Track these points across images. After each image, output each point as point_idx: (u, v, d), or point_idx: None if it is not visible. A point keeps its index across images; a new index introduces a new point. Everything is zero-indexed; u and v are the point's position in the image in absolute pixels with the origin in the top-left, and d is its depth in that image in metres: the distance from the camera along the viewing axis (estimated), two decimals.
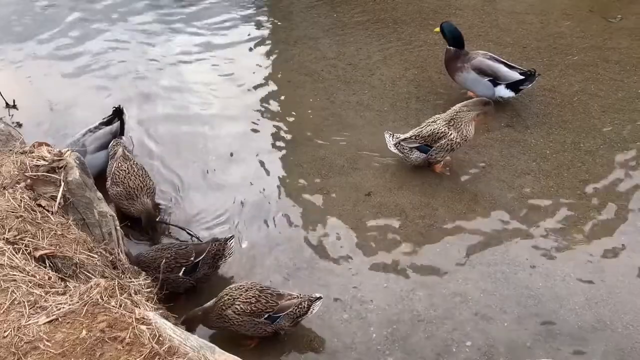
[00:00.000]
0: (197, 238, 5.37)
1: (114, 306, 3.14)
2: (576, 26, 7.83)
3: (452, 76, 6.71)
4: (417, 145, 5.81)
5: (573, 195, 5.64)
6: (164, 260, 4.64)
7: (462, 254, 5.22)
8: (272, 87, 7.24)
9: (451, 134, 5.73)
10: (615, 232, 5.30)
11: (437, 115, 5.91)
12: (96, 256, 3.93)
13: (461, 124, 5.75)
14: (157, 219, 5.46)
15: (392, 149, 5.91)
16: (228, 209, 5.71)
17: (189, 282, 4.93)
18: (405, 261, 5.19)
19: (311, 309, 4.47)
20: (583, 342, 4.53)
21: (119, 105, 6.21)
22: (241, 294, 4.37)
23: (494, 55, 6.61)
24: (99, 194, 4.62)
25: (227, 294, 4.41)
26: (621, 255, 5.13)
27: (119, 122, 6.09)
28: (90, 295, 3.18)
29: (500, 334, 4.62)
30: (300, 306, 4.42)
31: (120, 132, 6.09)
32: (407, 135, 5.87)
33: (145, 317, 3.09)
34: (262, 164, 6.19)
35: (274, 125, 6.67)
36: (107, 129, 6.01)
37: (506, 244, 5.28)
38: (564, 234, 5.32)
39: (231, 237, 5.08)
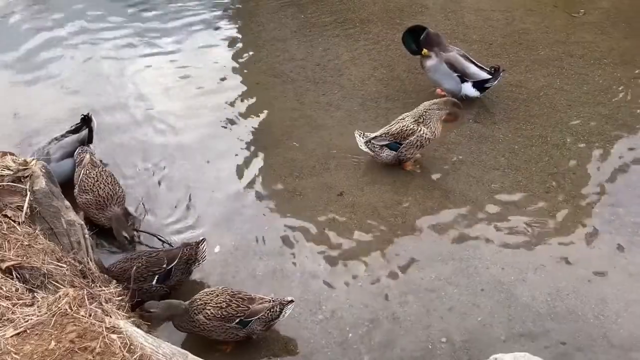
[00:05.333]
0: (169, 244, 5.31)
1: (83, 316, 3.08)
2: (540, 22, 7.93)
3: (422, 62, 6.75)
4: (387, 143, 5.83)
5: (542, 189, 5.71)
6: (134, 269, 4.57)
7: (435, 251, 5.24)
8: (241, 89, 7.19)
9: (420, 131, 5.77)
10: (585, 225, 5.38)
11: (405, 113, 5.94)
12: (65, 266, 3.87)
13: (430, 121, 5.80)
14: (128, 227, 5.37)
15: (363, 147, 5.92)
16: (199, 213, 5.66)
17: (162, 290, 4.87)
18: (378, 259, 5.20)
19: (283, 313, 4.45)
20: (556, 333, 4.58)
21: (88, 113, 6.10)
22: (212, 299, 4.33)
23: (466, 54, 6.69)
24: (67, 203, 4.54)
25: (198, 299, 4.37)
26: (591, 247, 5.20)
27: (87, 130, 5.99)
28: (59, 305, 3.12)
29: (475, 329, 4.65)
30: (272, 310, 4.40)
31: (89, 140, 5.99)
32: (377, 133, 5.89)
33: (116, 325, 3.05)
34: (232, 166, 6.15)
35: (243, 128, 6.63)
36: (74, 137, 5.90)
37: (478, 239, 5.33)
38: (535, 227, 5.38)
39: (203, 240, 5.03)
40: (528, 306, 4.76)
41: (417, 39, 6.69)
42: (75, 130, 6.00)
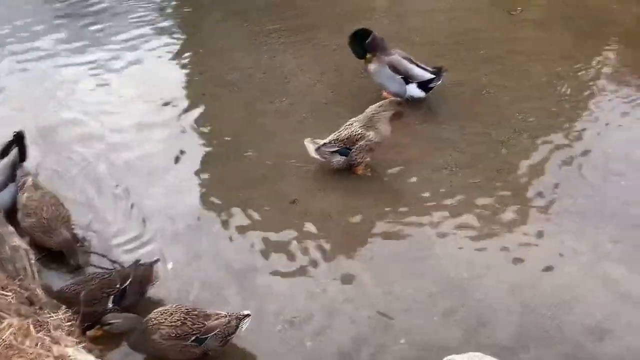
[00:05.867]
0: (119, 264, 5.19)
1: (29, 346, 3.00)
2: (481, 21, 8.09)
3: (366, 66, 6.81)
4: (337, 149, 5.86)
5: (489, 186, 5.81)
6: (83, 293, 4.47)
7: (389, 253, 5.27)
8: (189, 101, 7.11)
9: (369, 135, 5.81)
10: (533, 218, 5.49)
11: (353, 118, 5.97)
12: (10, 294, 3.75)
13: (377, 124, 5.84)
14: (78, 251, 5.23)
15: (314, 154, 5.92)
16: (150, 230, 5.55)
17: (117, 312, 4.75)
18: (334, 265, 5.20)
19: (240, 327, 4.41)
20: (511, 328, 4.65)
21: (20, 131, 5.90)
22: (166, 318, 4.26)
23: (408, 56, 6.76)
24: (10, 228, 4.42)
25: (152, 319, 4.29)
26: (540, 241, 5.31)
27: (17, 148, 5.79)
28: (3, 337, 3.02)
29: (431, 329, 4.68)
30: (228, 325, 4.36)
31: (21, 158, 5.81)
32: (327, 140, 5.90)
33: (64, 354, 2.97)
34: (183, 180, 6.07)
35: (192, 140, 6.55)
36: (4, 161, 5.66)
37: (431, 239, 5.38)
38: (485, 224, 5.47)
39: (156, 259, 4.96)
40: (482, 303, 4.83)
41: (363, 43, 6.74)
42: (3, 152, 5.80)
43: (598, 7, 8.37)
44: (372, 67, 6.74)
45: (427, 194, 5.77)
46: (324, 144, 5.89)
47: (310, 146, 5.93)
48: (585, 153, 6.11)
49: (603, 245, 5.20)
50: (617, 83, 7.04)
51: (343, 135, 5.84)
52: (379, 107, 5.89)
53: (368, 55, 6.73)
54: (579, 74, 7.18)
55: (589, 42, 7.69)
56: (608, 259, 5.09)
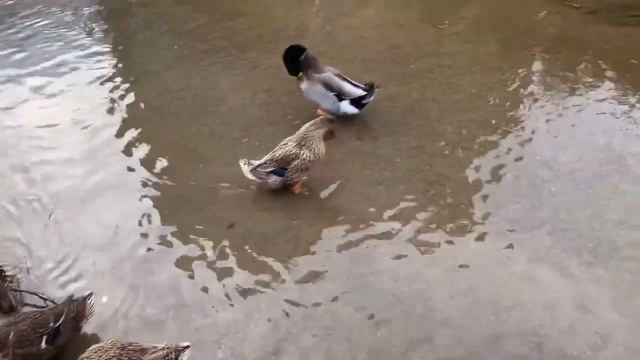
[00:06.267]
0: (52, 301, 4.99)
1: None
2: (409, 36, 8.25)
3: (298, 84, 6.82)
4: (273, 169, 5.83)
5: (425, 198, 5.88)
6: (11, 334, 4.26)
7: (330, 271, 5.25)
8: (119, 126, 6.95)
9: (303, 154, 5.80)
10: (468, 228, 5.57)
11: (287, 138, 5.97)
12: None
13: (312, 143, 5.85)
14: (6, 290, 4.99)
15: (249, 176, 5.88)
16: (83, 263, 5.37)
17: (52, 352, 4.56)
18: (275, 287, 5.14)
19: (180, 359, 4.30)
20: (453, 339, 4.69)
21: None
22: (101, 356, 4.10)
23: (340, 73, 6.81)
24: None
25: (85, 358, 4.12)
26: (477, 249, 5.39)
27: None
28: None
29: (375, 346, 4.67)
30: (166, 358, 4.23)
31: None
32: (262, 160, 5.87)
33: None
34: (116, 209, 5.90)
35: (124, 167, 6.40)
36: None
37: (370, 254, 5.39)
38: (422, 236, 5.51)
39: (90, 294, 4.79)
40: (425, 318, 4.85)
41: (296, 60, 6.75)
42: None
43: (520, 18, 8.68)
44: (305, 85, 6.77)
45: (364, 210, 5.79)
46: (259, 164, 5.86)
47: (245, 167, 5.89)
48: (516, 161, 6.25)
49: (537, 251, 5.32)
50: (544, 90, 7.28)
51: (278, 155, 5.83)
52: (312, 125, 5.91)
53: (301, 73, 6.76)
54: (507, 84, 7.39)
55: (514, 53, 7.94)
56: (543, 264, 5.20)
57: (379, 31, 8.39)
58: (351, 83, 6.73)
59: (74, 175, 6.31)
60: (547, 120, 6.79)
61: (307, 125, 5.92)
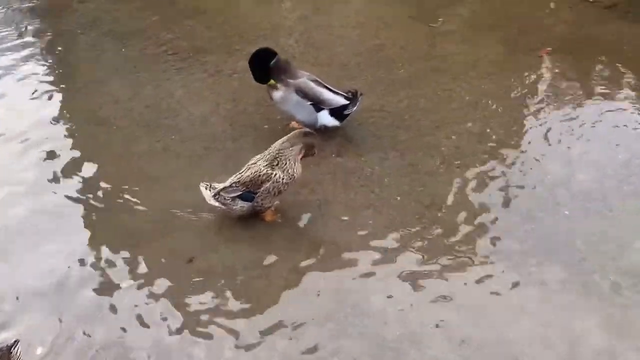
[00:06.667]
0: None
1: None
2: (397, 36, 8.30)
3: (270, 93, 6.79)
4: (240, 193, 5.76)
5: (419, 224, 5.85)
6: None
7: (309, 313, 5.17)
8: (57, 144, 6.87)
9: (276, 175, 5.74)
10: (468, 259, 5.54)
11: (257, 156, 5.90)
12: None
13: (286, 162, 5.78)
14: None
15: (212, 202, 5.81)
16: (12, 308, 5.24)
17: None
18: (244, 334, 5.05)
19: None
20: None
21: None
22: None
23: (317, 79, 6.80)
24: None
25: None
26: (478, 281, 5.35)
27: None
28: None
29: None
30: None
31: None
32: (227, 183, 5.80)
33: None
34: (51, 242, 5.78)
35: (62, 192, 6.30)
36: None
37: (357, 292, 5.31)
38: (417, 271, 5.46)
39: (15, 342, 4.68)
40: None
41: (265, 65, 6.72)
42: None
43: (525, 14, 8.79)
44: (277, 93, 6.73)
45: (349, 239, 5.74)
46: (224, 188, 5.78)
47: (206, 192, 5.82)
48: (523, 181, 6.27)
49: (551, 288, 5.29)
50: (553, 98, 7.35)
51: (245, 176, 5.76)
52: (287, 141, 5.86)
53: (272, 81, 6.72)
54: (510, 90, 7.45)
55: (518, 55, 8.03)
56: (557, 303, 5.18)
57: (361, 30, 8.44)
58: (331, 90, 6.71)
59: (4, 201, 6.22)
60: (558, 133, 6.85)
61: (280, 141, 5.87)
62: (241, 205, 5.80)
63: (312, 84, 6.71)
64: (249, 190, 5.75)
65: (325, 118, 6.72)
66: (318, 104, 6.67)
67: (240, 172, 5.84)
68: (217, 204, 5.80)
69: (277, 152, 5.81)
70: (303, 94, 6.67)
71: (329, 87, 6.76)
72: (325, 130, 6.72)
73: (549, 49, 8.08)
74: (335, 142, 6.75)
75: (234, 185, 5.77)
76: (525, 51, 8.09)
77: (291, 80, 6.70)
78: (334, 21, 8.62)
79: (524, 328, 4.99)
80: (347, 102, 6.67)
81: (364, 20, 8.62)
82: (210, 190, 5.82)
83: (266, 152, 5.88)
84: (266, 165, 5.77)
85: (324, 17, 8.75)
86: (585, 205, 5.97)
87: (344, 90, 6.77)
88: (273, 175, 5.74)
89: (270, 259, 5.63)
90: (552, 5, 8.99)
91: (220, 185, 5.82)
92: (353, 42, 8.23)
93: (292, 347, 4.95)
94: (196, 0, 9.49)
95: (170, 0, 9.49)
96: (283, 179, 5.76)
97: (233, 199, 5.78)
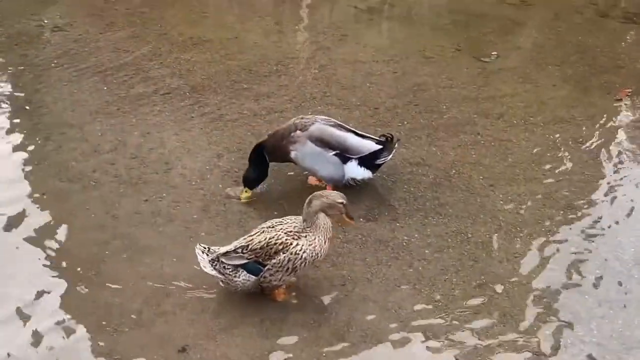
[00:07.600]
0: None
1: None
2: (441, 72, 8.41)
3: (285, 159, 6.87)
4: (245, 261, 5.73)
5: (469, 308, 5.86)
6: None
7: None
8: (21, 204, 6.98)
9: (297, 247, 5.66)
10: (534, 354, 5.53)
11: (275, 220, 5.85)
12: None
13: (314, 236, 5.70)
14: None
15: (208, 269, 5.77)
16: None
17: None
18: None
19: None
20: None
21: None
22: None
23: (337, 122, 6.86)
24: None
25: None
26: None
27: None
28: None
29: None
30: None
31: None
32: (230, 247, 5.77)
33: None
34: (21, 323, 5.81)
35: (28, 263, 6.38)
36: None
37: None
38: None
39: None
40: None
41: (264, 161, 6.86)
42: None
43: (599, 46, 8.88)
44: (293, 152, 6.77)
45: (380, 326, 5.74)
46: (225, 252, 5.75)
47: (203, 256, 5.81)
48: (601, 255, 6.29)
49: None
50: (634, 150, 7.40)
51: (257, 242, 5.70)
52: (310, 207, 5.68)
53: (245, 191, 6.89)
54: (582, 141, 7.50)
55: (592, 97, 8.11)
56: None
57: (397, 65, 8.56)
58: (356, 133, 6.76)
59: None
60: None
61: (307, 205, 5.72)
62: (244, 278, 5.77)
63: (332, 129, 6.74)
64: (256, 261, 5.74)
65: (353, 170, 6.75)
66: (343, 153, 6.70)
67: (251, 234, 5.81)
68: (214, 272, 5.78)
69: (306, 216, 5.71)
70: (322, 141, 6.70)
71: (354, 129, 6.79)
72: (353, 185, 6.76)
73: (629, 89, 8.15)
74: (364, 203, 6.82)
75: (239, 249, 5.75)
76: (600, 92, 8.15)
77: (302, 132, 6.74)
78: (361, 53, 8.74)
79: None
80: (380, 146, 6.70)
81: (400, 53, 8.74)
82: (208, 254, 5.81)
83: (290, 217, 5.83)
84: (288, 233, 5.73)
85: (349, 47, 8.87)
86: None
87: (375, 135, 6.83)
88: (293, 247, 5.67)
89: (283, 349, 5.62)
90: (632, 34, 9.06)
91: (221, 249, 5.81)
92: (386, 79, 8.33)
93: None
94: (194, 28, 9.68)
95: (162, 30, 9.67)
96: (304, 253, 5.69)
97: (235, 268, 5.76)
